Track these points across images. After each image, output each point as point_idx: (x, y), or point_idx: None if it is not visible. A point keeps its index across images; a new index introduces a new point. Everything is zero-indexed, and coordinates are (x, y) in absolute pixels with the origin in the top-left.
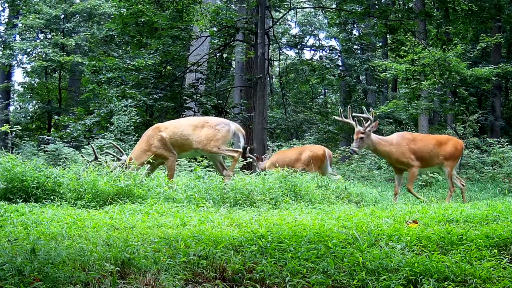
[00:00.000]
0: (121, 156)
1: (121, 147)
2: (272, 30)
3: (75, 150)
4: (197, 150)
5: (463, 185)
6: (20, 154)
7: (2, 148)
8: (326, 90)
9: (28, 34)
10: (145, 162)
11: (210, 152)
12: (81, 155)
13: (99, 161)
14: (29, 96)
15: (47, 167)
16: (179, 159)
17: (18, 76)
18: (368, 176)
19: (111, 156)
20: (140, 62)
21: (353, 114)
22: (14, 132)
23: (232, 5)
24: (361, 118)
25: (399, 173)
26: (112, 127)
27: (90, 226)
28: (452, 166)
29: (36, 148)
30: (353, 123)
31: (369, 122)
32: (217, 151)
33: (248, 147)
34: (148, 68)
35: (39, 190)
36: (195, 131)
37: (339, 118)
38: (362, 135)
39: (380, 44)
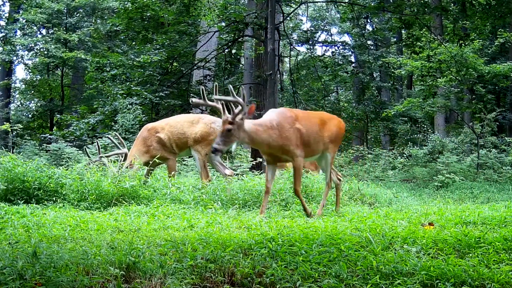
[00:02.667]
0: (122, 148)
1: (127, 147)
2: (282, 25)
3: (78, 149)
4: (191, 148)
5: (339, 180)
6: (21, 153)
7: (3, 147)
8: (339, 88)
9: (29, 29)
10: (143, 164)
11: (196, 151)
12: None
13: (102, 160)
14: (30, 94)
15: (49, 167)
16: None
17: (19, 73)
18: (382, 176)
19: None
20: (146, 59)
21: (216, 96)
22: (15, 131)
23: None
24: (227, 101)
25: (273, 163)
26: (116, 125)
27: (93, 228)
28: (335, 152)
29: (38, 147)
30: (220, 107)
31: (239, 107)
32: (199, 156)
33: None
34: (154, 65)
35: (41, 191)
36: (190, 127)
37: (198, 100)
38: (230, 126)
39: (395, 39)
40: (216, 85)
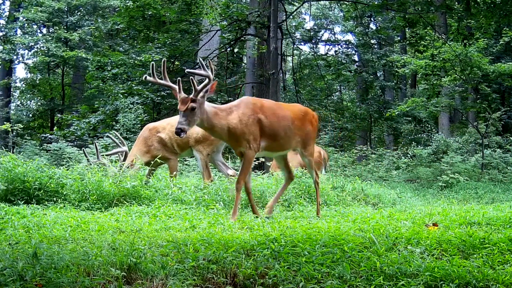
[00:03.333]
0: (122, 146)
1: (128, 147)
2: (285, 24)
3: (78, 149)
4: (193, 148)
5: (291, 178)
6: (21, 153)
7: (3, 147)
8: (342, 87)
9: (29, 28)
10: (144, 164)
11: (198, 151)
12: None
13: (102, 161)
14: (31, 93)
15: (50, 167)
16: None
17: (19, 72)
18: (385, 176)
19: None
20: (147, 57)
21: (188, 70)
22: (15, 131)
23: None
24: (199, 75)
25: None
26: (117, 125)
27: (94, 229)
28: (311, 149)
29: (38, 147)
30: (175, 86)
31: (206, 81)
32: (201, 156)
33: None
34: (156, 64)
35: (41, 191)
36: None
37: (151, 78)
38: (194, 105)
39: (399, 38)
40: (164, 60)
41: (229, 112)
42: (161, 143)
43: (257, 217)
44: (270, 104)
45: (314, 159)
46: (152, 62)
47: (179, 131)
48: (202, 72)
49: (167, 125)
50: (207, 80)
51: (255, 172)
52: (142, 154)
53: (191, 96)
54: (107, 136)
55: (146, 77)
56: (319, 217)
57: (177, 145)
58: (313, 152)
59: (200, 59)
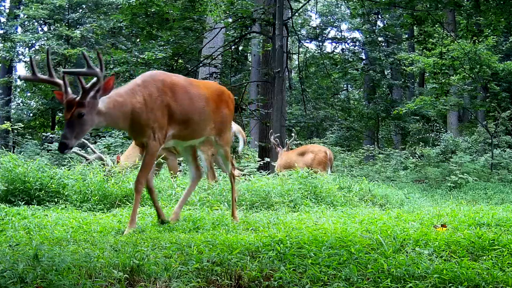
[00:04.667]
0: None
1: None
2: (291, 21)
3: (80, 149)
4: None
5: (199, 176)
6: (22, 153)
7: (3, 147)
8: (349, 85)
9: (30, 26)
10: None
11: (202, 150)
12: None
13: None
14: (31, 92)
15: (51, 168)
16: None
17: (20, 70)
18: (393, 177)
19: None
20: (150, 55)
21: (65, 70)
22: (15, 130)
23: None
24: (82, 75)
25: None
26: None
27: (96, 230)
28: (228, 137)
29: (39, 147)
30: (59, 82)
31: (95, 79)
32: (205, 156)
33: (271, 132)
34: (158, 62)
35: (42, 192)
36: None
37: (27, 76)
38: (82, 110)
39: (406, 36)
40: (31, 57)
41: (132, 94)
42: None
43: (163, 222)
44: (181, 81)
45: (321, 159)
46: (31, 55)
47: (62, 147)
48: (84, 70)
49: None
50: (95, 78)
51: (260, 172)
52: (139, 152)
53: (77, 98)
54: (114, 138)
55: (20, 76)
56: (234, 218)
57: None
58: (230, 140)
59: (85, 53)
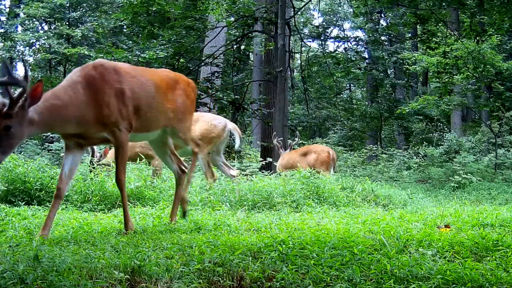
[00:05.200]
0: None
1: None
2: (293, 20)
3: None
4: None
5: (182, 171)
6: (22, 153)
7: None
8: (352, 85)
9: (31, 25)
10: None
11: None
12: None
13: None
14: None
15: (51, 168)
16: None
17: (20, 69)
18: (396, 177)
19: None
20: (151, 55)
21: None
22: None
23: None
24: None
25: (77, 148)
26: None
27: (97, 230)
28: (187, 129)
29: (40, 147)
30: None
31: (21, 90)
32: (204, 156)
33: (274, 134)
34: (160, 61)
35: (43, 192)
36: None
37: None
38: (8, 122)
39: (410, 35)
40: None
41: (73, 93)
42: None
43: (127, 230)
44: (127, 68)
45: (323, 159)
46: None
47: None
48: (5, 79)
49: None
50: (21, 88)
51: (262, 172)
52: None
53: (4, 110)
54: None
55: None
56: (171, 220)
57: None
58: (190, 127)
59: (6, 61)
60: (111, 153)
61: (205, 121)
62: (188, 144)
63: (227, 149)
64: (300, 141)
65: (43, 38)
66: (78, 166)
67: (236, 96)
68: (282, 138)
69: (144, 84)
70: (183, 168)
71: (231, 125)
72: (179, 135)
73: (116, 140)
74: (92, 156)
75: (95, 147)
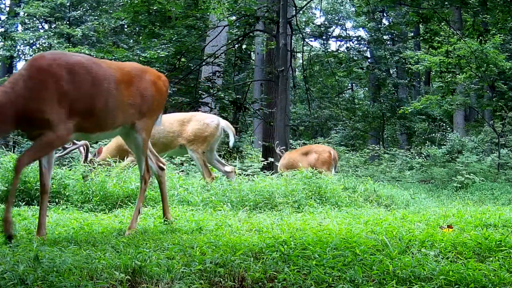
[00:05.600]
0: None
1: None
2: (295, 19)
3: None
4: (181, 147)
5: (161, 168)
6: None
7: (3, 146)
8: (354, 84)
9: (31, 24)
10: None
11: (193, 150)
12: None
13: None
14: None
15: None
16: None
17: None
18: (399, 177)
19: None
20: (152, 54)
21: None
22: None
23: None
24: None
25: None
26: None
27: (98, 231)
28: (150, 127)
29: None
30: None
31: None
32: (197, 155)
33: (277, 143)
34: (160, 61)
35: None
36: (182, 126)
37: None
38: None
39: (412, 34)
40: None
41: (11, 89)
42: None
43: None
44: (82, 61)
45: (325, 159)
46: None
47: None
48: None
49: None
50: None
51: (264, 172)
52: (113, 148)
53: None
54: None
55: None
56: (129, 231)
57: (162, 144)
58: (149, 133)
59: None
60: (105, 151)
61: (197, 121)
62: (146, 141)
63: (228, 149)
64: (302, 141)
65: (43, 37)
66: (54, 156)
67: (237, 96)
68: (284, 147)
69: (100, 80)
70: (162, 166)
71: (224, 123)
72: (138, 132)
73: (44, 135)
74: (85, 161)
75: (82, 150)
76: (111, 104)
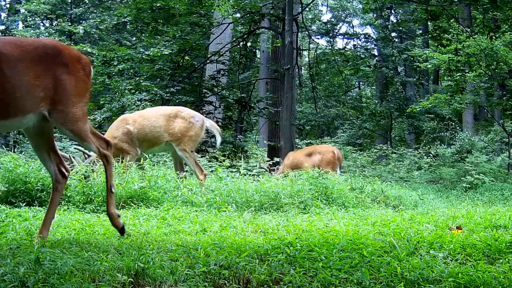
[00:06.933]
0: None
1: None
2: (301, 16)
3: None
4: (167, 144)
5: (64, 175)
6: (23, 153)
7: (4, 146)
8: (361, 83)
9: (32, 21)
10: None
11: (182, 150)
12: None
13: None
14: None
15: None
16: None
17: None
18: (407, 177)
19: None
20: (156, 52)
21: None
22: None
23: None
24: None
25: None
26: None
27: (100, 232)
28: (83, 119)
29: None
30: None
31: None
32: (186, 154)
33: (262, 158)
34: (164, 58)
35: (44, 192)
36: (168, 122)
37: None
38: None
39: (420, 31)
40: None
41: None
42: (127, 135)
43: None
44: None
45: (329, 159)
46: None
47: None
48: None
49: (139, 118)
50: None
51: (270, 173)
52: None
53: None
54: None
55: None
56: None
57: (148, 141)
58: (82, 116)
59: None
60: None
61: (183, 118)
62: (85, 141)
63: (233, 149)
64: (309, 141)
65: (44, 34)
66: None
67: (242, 95)
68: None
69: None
70: (64, 171)
71: (209, 123)
72: (65, 125)
73: None
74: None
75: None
76: (9, 88)
